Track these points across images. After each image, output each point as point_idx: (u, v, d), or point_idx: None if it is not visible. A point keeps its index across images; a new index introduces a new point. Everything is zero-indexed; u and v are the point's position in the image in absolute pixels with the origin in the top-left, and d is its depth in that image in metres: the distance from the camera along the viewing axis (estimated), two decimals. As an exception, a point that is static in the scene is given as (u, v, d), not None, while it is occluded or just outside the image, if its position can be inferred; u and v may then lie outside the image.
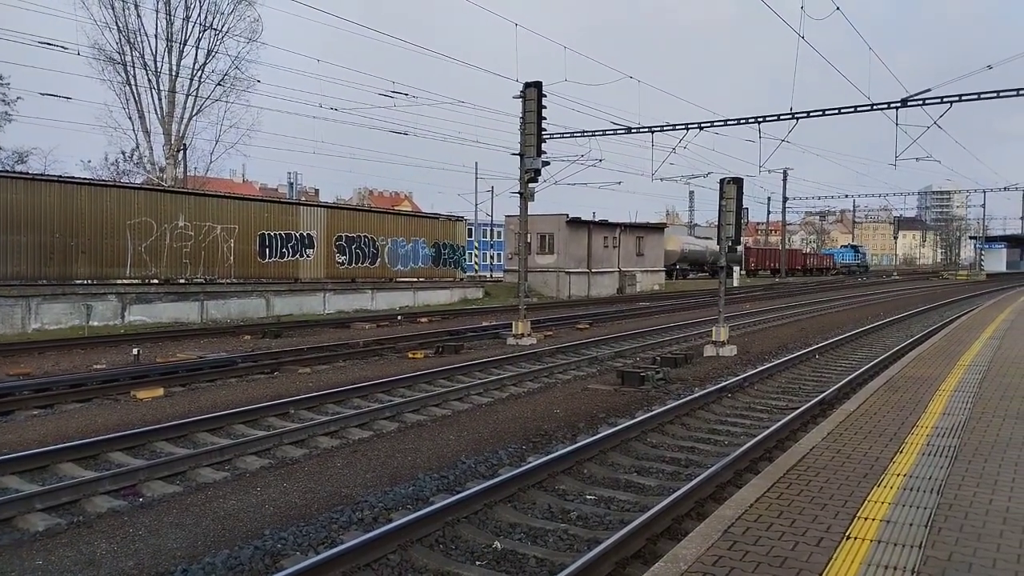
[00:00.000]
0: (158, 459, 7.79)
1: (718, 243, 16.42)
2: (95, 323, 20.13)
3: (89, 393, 11.20)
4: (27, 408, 10.32)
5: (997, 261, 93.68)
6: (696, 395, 10.96)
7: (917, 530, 4.53)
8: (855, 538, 4.42)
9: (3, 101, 35.56)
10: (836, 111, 22.56)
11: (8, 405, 10.23)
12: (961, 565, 4.03)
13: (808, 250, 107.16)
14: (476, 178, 59.85)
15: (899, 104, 20.51)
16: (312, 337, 19.10)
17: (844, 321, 24.44)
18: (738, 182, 16.07)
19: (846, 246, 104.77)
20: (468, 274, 38.38)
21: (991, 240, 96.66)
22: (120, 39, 35.54)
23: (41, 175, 21.67)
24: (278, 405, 10.18)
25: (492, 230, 75.26)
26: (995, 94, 19.76)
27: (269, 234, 25.62)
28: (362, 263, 29.30)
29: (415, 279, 31.83)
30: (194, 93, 36.93)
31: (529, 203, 19.25)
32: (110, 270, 21.16)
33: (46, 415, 10.06)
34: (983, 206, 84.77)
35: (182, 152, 37.22)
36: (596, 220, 42.15)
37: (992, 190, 65.44)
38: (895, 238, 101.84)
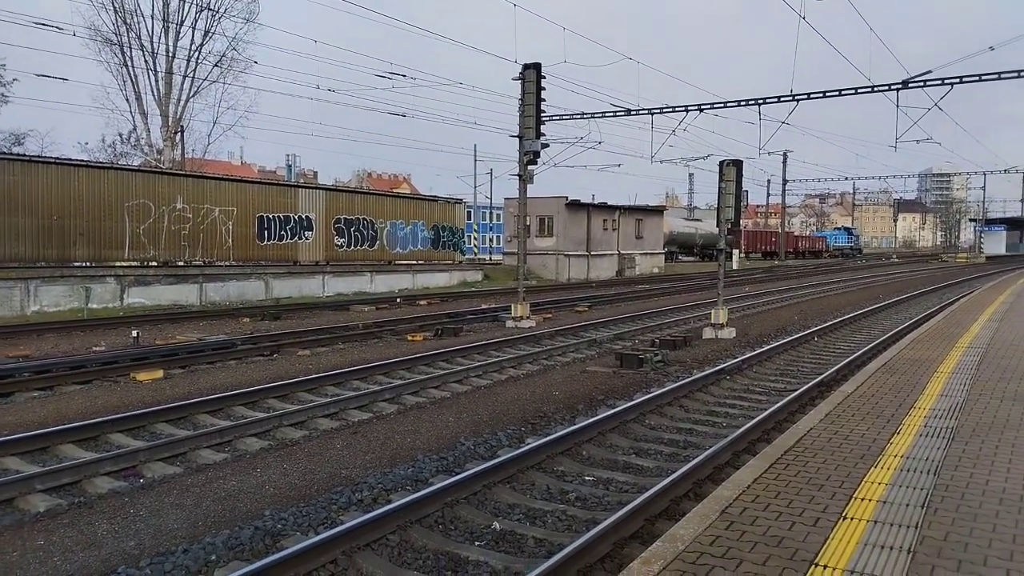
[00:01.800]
0: (158, 440, 7.82)
1: (717, 225, 16.40)
2: (94, 305, 20.13)
3: (89, 375, 11.22)
4: (27, 390, 10.34)
5: (997, 244, 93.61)
6: (695, 377, 10.98)
7: (913, 510, 4.55)
8: (851, 518, 4.44)
9: (-1, 82, 35.39)
10: (837, 93, 22.45)
11: (8, 387, 10.25)
12: (957, 545, 4.05)
13: (808, 232, 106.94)
14: (475, 160, 59.71)
15: (900, 86, 20.42)
16: (311, 320, 19.11)
17: (843, 304, 24.47)
18: (738, 164, 16.02)
19: (839, 228, 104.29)
20: (467, 257, 38.39)
21: (991, 223, 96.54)
22: (116, 20, 35.34)
23: (38, 157, 21.60)
24: (278, 387, 10.20)
25: (491, 212, 75.19)
26: (996, 76, 19.66)
27: (268, 216, 25.58)
28: (361, 246, 29.28)
29: (414, 262, 31.81)
30: (191, 74, 36.75)
31: (528, 185, 19.20)
32: (108, 252, 21.15)
33: (46, 397, 10.09)
34: (983, 188, 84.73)
35: (179, 134, 37.08)
36: (595, 203, 42.08)
37: (992, 172, 65.25)
38: (895, 220, 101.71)
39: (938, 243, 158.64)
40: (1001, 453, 5.78)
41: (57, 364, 11.54)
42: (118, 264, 21.38)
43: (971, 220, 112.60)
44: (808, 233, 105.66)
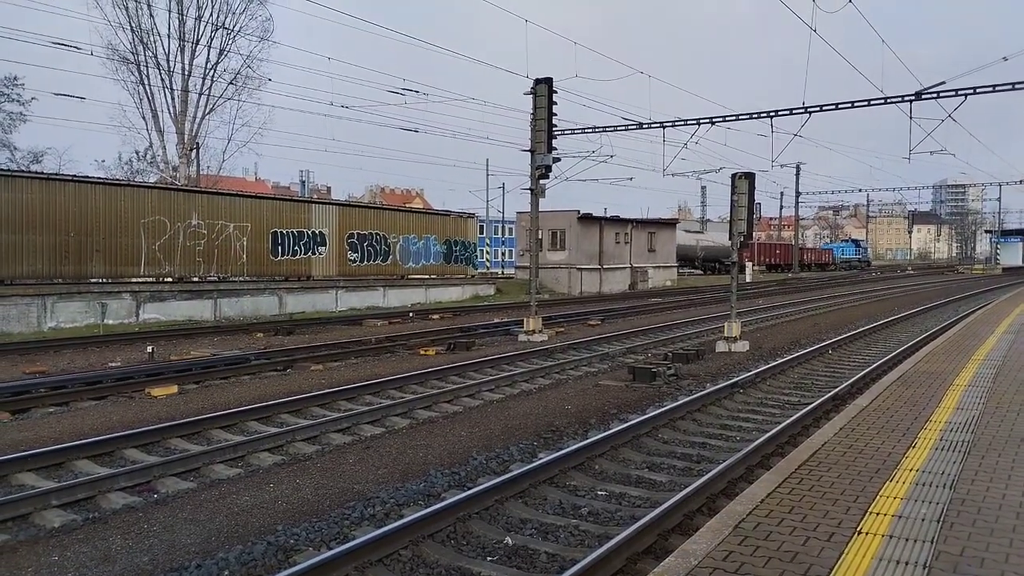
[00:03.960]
0: (172, 456, 7.86)
1: (730, 238, 16.36)
2: (110, 321, 20.30)
3: (104, 391, 11.30)
4: (43, 406, 10.43)
5: (1013, 255, 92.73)
6: (708, 391, 10.93)
7: (929, 525, 4.51)
8: (866, 533, 4.40)
9: (18, 101, 35.95)
10: (849, 105, 22.37)
11: (25, 403, 10.34)
12: (973, 560, 4.01)
13: (815, 245, 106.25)
14: (487, 175, 59.77)
15: (913, 97, 20.33)
16: (324, 334, 19.18)
17: (857, 316, 24.30)
18: (750, 177, 16.00)
19: (847, 240, 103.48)
20: (480, 271, 38.44)
21: (1007, 234, 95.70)
22: (133, 39, 35.78)
23: (56, 175, 21.86)
24: (291, 402, 10.24)
25: (503, 227, 75.33)
26: (1011, 86, 19.55)
27: (281, 232, 25.72)
28: (374, 260, 29.38)
29: (427, 276, 31.89)
30: (206, 92, 37.14)
31: (540, 199, 19.24)
32: (124, 269, 21.33)
33: (62, 413, 10.16)
34: (999, 199, 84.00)
35: (195, 151, 37.44)
36: (607, 216, 42.10)
37: (1008, 183, 64.79)
38: (909, 232, 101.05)
39: (953, 255, 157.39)
40: (1018, 467, 5.72)
41: (73, 380, 11.64)
42: (134, 280, 21.56)
43: (987, 231, 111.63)
44: (815, 245, 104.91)
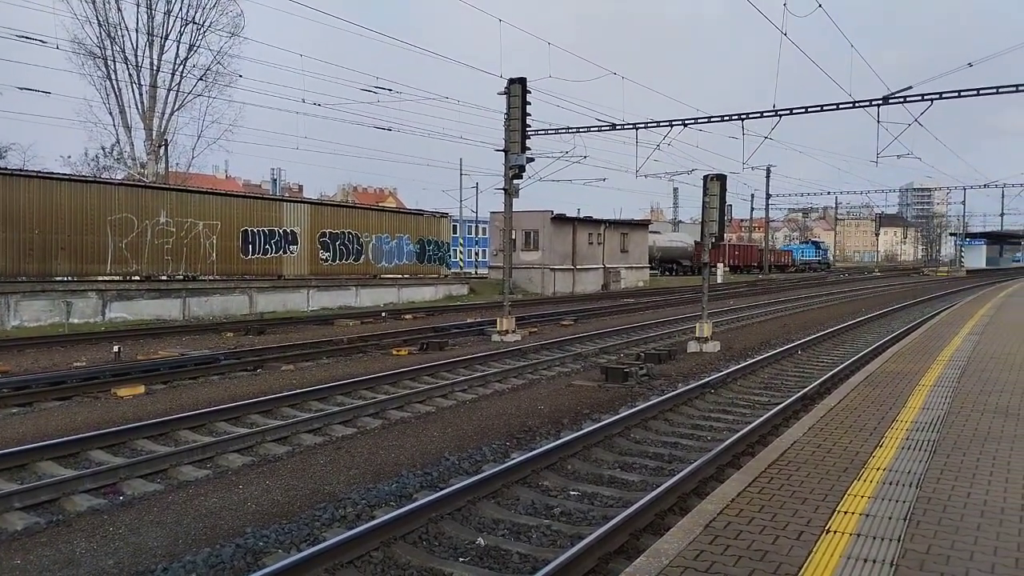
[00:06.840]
0: (139, 457, 7.74)
1: (701, 239, 16.49)
2: (75, 320, 19.94)
3: (69, 391, 11.09)
4: (6, 406, 10.21)
5: (977, 257, 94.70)
6: (679, 391, 11.00)
7: (896, 523, 4.57)
8: (835, 532, 4.45)
9: (-19, 96, 35.20)
10: (819, 108, 22.66)
11: (-14, 403, 10.11)
12: (939, 557, 4.07)
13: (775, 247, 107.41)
14: (461, 174, 59.60)
15: (880, 101, 20.64)
16: (296, 334, 19.00)
17: (826, 317, 24.62)
18: (721, 179, 16.14)
19: (807, 242, 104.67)
20: (453, 271, 38.35)
21: (971, 237, 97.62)
22: (100, 33, 35.23)
23: (20, 171, 21.40)
24: (261, 402, 10.12)
25: (477, 227, 75.17)
26: (975, 92, 19.92)
27: (252, 230, 25.45)
28: (346, 260, 29.19)
29: (400, 276, 31.75)
30: (175, 88, 36.66)
31: (514, 199, 19.24)
32: (90, 267, 20.96)
33: (25, 413, 9.96)
34: (963, 203, 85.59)
35: (163, 148, 36.91)
36: (581, 217, 42.23)
37: (973, 187, 66.08)
38: (876, 235, 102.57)
39: (919, 257, 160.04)
40: (982, 465, 5.82)
41: (37, 380, 11.40)
42: (100, 279, 21.19)
43: (952, 234, 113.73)
44: (775, 247, 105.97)
